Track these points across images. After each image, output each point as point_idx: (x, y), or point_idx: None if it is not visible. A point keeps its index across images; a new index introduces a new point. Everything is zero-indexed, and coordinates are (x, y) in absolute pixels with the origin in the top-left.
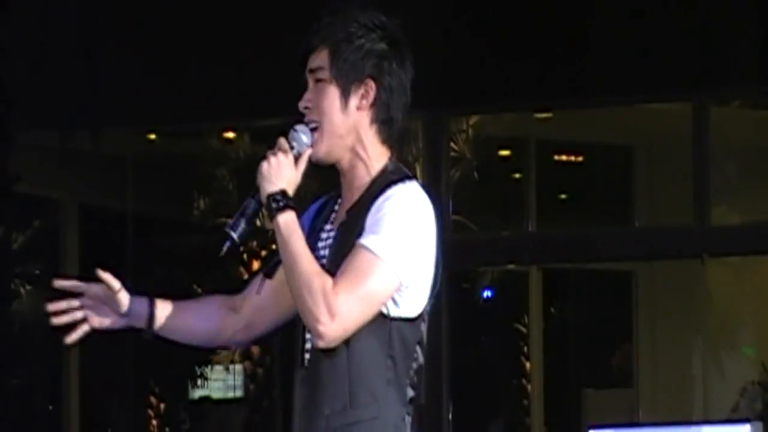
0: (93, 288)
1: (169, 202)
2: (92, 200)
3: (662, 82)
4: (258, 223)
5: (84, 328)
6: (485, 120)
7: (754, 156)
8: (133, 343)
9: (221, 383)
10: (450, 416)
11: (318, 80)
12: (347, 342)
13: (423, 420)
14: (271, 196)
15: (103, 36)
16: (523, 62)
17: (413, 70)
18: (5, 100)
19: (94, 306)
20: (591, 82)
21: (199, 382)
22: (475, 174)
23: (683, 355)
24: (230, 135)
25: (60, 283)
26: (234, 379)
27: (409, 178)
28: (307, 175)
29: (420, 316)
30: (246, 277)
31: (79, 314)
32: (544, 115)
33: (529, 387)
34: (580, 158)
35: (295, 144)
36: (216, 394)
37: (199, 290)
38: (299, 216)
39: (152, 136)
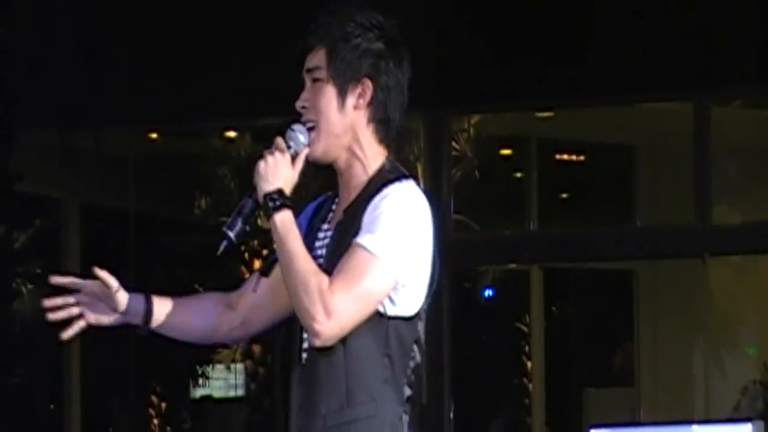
0: (89, 285)
1: (170, 201)
2: (93, 199)
3: (663, 82)
4: (259, 222)
5: (80, 324)
6: (486, 119)
7: (755, 155)
8: (134, 342)
9: (222, 382)
10: (451, 415)
11: (315, 80)
12: (344, 341)
13: (424, 419)
14: (268, 196)
15: (104, 35)
16: (525, 61)
17: (410, 70)
18: (6, 100)
19: (91, 302)
20: (592, 82)
21: (200, 381)
22: (477, 173)
23: (684, 355)
24: (231, 134)
25: (57, 280)
26: (235, 378)
27: (406, 177)
28: (310, 174)
29: (417, 315)
30: (247, 276)
31: (75, 310)
32: (546, 114)
33: (530, 386)
34: (582, 157)
35: (292, 143)
36: (217, 393)
37: (201, 289)
38: (296, 215)
39: (153, 136)
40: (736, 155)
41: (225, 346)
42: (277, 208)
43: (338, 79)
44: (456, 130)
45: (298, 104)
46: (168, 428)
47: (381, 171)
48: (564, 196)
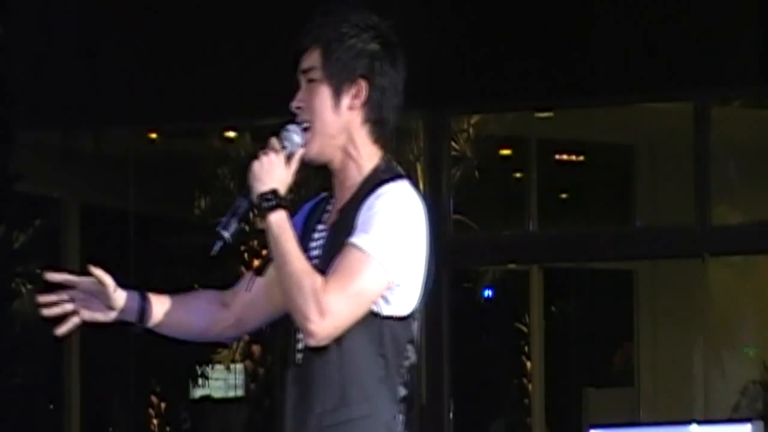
0: (84, 282)
1: (170, 201)
2: (93, 200)
3: (663, 82)
4: (258, 222)
5: (74, 321)
6: (486, 119)
7: (754, 155)
8: (134, 342)
9: (222, 382)
10: (451, 415)
11: (310, 80)
12: (339, 340)
13: (424, 419)
14: (263, 196)
15: (104, 36)
16: (525, 62)
17: (406, 71)
18: (6, 100)
19: (86, 299)
20: (592, 82)
21: (200, 381)
22: (476, 173)
23: (684, 355)
24: (231, 134)
25: (51, 276)
26: (235, 379)
27: (401, 177)
28: (311, 174)
29: (411, 315)
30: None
31: (68, 307)
32: (546, 114)
33: (529, 386)
34: (581, 158)
35: (286, 144)
36: (217, 394)
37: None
38: (291, 215)
39: (153, 136)
40: (736, 155)
41: (220, 344)
42: (272, 209)
43: (333, 79)
44: (456, 130)
45: (293, 105)
46: (168, 428)
47: (376, 171)
48: (564, 196)
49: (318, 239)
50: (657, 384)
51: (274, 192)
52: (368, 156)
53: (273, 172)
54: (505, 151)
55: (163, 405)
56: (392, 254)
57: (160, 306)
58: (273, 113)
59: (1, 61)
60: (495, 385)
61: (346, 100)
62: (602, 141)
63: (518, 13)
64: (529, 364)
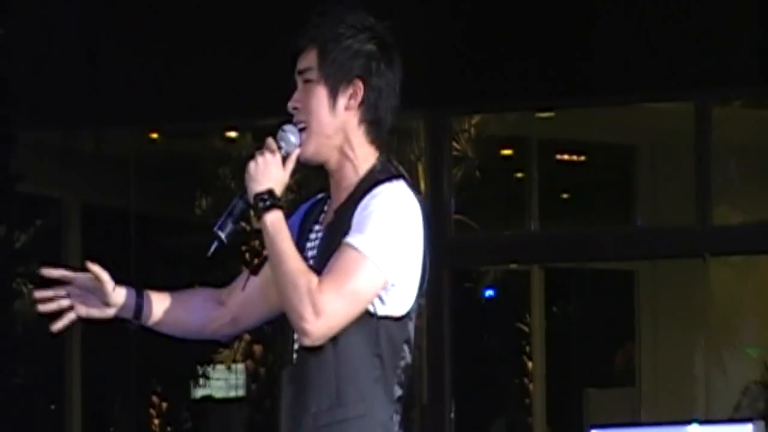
0: (81, 278)
1: (171, 201)
2: (94, 199)
3: (664, 82)
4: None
5: (70, 317)
6: (487, 119)
7: (755, 155)
8: (135, 342)
9: (223, 382)
10: (452, 415)
11: (306, 81)
12: (334, 340)
13: (425, 419)
14: (259, 196)
15: (105, 35)
16: (525, 62)
17: (402, 72)
18: (7, 100)
19: (82, 295)
20: (593, 82)
21: (201, 381)
22: (477, 173)
23: (685, 355)
24: (232, 134)
25: (48, 272)
26: (236, 379)
27: (397, 177)
28: (311, 174)
29: (407, 315)
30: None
31: (64, 302)
32: (546, 114)
33: (530, 386)
34: (582, 158)
35: (283, 144)
36: (218, 394)
37: None
38: (287, 216)
39: (154, 136)
40: (736, 155)
41: (218, 342)
42: (267, 209)
43: (329, 80)
44: (457, 131)
45: (290, 105)
46: (169, 428)
47: (372, 172)
48: (564, 196)
49: (314, 240)
50: (658, 384)
51: (269, 192)
52: (364, 156)
53: (269, 172)
54: (506, 151)
55: (164, 405)
56: (387, 254)
57: (156, 303)
58: (274, 113)
59: (1, 61)
60: (496, 385)
61: (342, 101)
62: (603, 141)
63: (519, 13)
64: (530, 364)
